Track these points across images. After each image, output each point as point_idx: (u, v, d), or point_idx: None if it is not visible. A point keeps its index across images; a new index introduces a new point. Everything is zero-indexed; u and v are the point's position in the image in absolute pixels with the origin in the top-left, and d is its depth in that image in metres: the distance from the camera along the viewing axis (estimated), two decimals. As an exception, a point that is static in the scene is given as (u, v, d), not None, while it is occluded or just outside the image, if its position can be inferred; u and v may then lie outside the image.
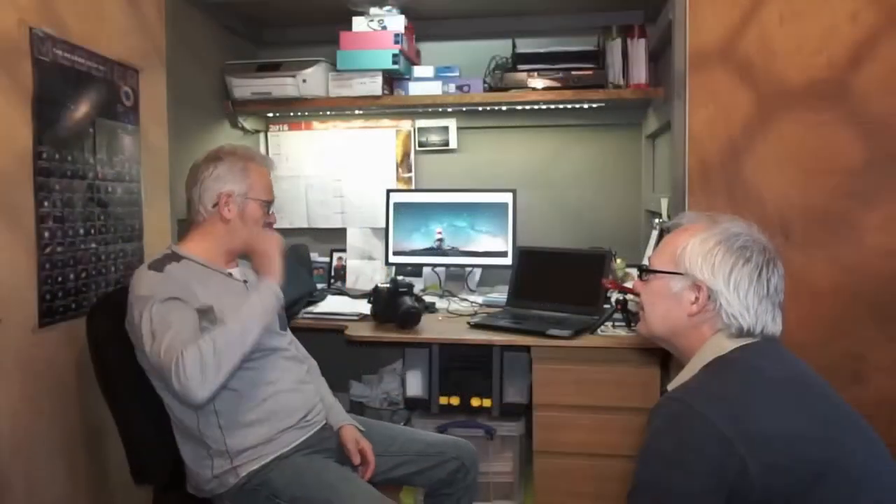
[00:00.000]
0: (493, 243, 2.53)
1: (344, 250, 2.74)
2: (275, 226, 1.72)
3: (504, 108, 2.57)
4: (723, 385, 1.04)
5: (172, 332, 1.39)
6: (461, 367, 2.14)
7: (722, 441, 0.94)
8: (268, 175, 1.72)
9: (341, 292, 2.60)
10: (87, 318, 1.62)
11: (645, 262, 2.19)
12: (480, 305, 2.35)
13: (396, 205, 2.63)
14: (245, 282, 1.68)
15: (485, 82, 2.42)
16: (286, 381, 1.62)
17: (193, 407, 1.47)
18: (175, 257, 1.57)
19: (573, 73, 2.31)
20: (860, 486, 0.97)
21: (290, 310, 2.14)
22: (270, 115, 2.79)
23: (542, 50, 2.38)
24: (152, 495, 1.64)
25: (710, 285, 1.11)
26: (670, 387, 1.15)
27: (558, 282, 2.23)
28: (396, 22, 2.37)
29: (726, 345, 1.10)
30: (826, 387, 1.08)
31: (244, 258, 1.75)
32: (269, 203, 1.70)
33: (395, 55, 2.33)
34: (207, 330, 1.44)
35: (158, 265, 1.53)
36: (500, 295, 2.42)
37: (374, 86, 2.36)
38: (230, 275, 1.66)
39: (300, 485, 1.50)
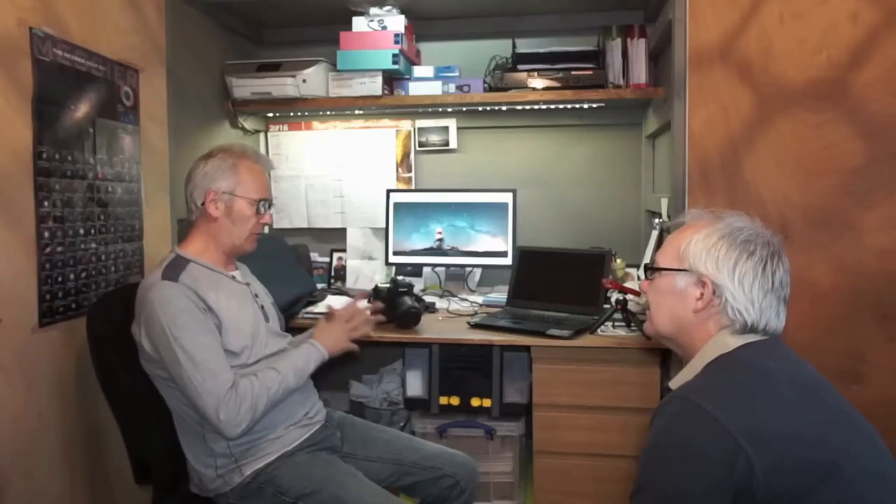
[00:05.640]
0: (493, 243, 2.53)
1: (344, 250, 2.74)
2: (274, 226, 1.72)
3: (504, 108, 2.57)
4: (727, 384, 1.03)
5: (208, 366, 1.44)
6: (461, 367, 2.14)
7: (728, 440, 0.94)
8: (262, 173, 1.67)
9: (341, 292, 2.60)
10: (88, 317, 1.63)
11: (646, 262, 2.20)
12: (480, 305, 2.35)
13: (396, 205, 2.63)
14: (248, 284, 1.68)
15: (485, 82, 2.42)
16: None
17: (225, 438, 1.50)
18: (182, 263, 1.56)
19: (573, 73, 2.31)
20: (862, 486, 0.96)
21: (290, 310, 2.14)
22: (270, 115, 2.79)
23: (542, 50, 2.38)
24: (152, 495, 1.64)
25: (715, 280, 1.11)
26: (672, 385, 1.15)
27: (558, 282, 2.22)
28: (396, 22, 2.37)
29: (730, 342, 1.10)
30: (829, 387, 1.08)
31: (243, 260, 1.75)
32: (260, 202, 1.64)
33: (395, 55, 2.33)
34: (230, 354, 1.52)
35: (172, 274, 1.51)
36: (500, 295, 2.42)
37: (374, 86, 2.36)
38: (233, 278, 1.66)
39: (307, 481, 1.50)
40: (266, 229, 1.71)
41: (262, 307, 1.68)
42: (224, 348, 1.51)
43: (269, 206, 1.68)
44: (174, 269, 1.53)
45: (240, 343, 1.54)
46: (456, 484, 1.69)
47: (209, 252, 1.62)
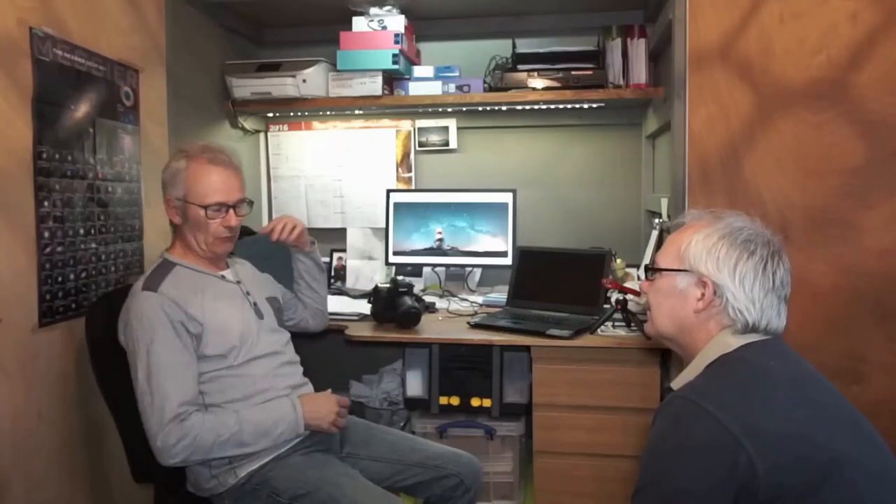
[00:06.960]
0: (493, 243, 2.53)
1: (344, 250, 2.74)
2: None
3: (504, 108, 2.57)
4: (729, 384, 1.03)
5: (160, 390, 1.43)
6: (461, 367, 2.14)
7: (730, 440, 0.94)
8: (219, 173, 1.56)
9: (341, 292, 2.60)
10: (86, 317, 1.64)
11: (646, 262, 2.20)
12: (480, 305, 2.35)
13: (396, 205, 2.63)
14: (238, 282, 1.68)
15: (485, 82, 2.42)
16: (279, 386, 1.61)
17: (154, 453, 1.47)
18: (167, 267, 1.57)
19: (573, 73, 2.31)
20: (863, 485, 0.96)
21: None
22: (270, 115, 2.79)
23: (542, 50, 2.38)
24: (153, 494, 1.64)
25: (716, 280, 1.10)
26: (674, 385, 1.14)
27: (558, 282, 2.23)
28: (396, 22, 2.37)
29: (731, 342, 1.10)
30: (830, 387, 1.08)
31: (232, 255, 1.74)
32: (211, 207, 1.54)
33: (395, 55, 2.33)
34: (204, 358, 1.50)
35: (153, 283, 1.52)
36: (500, 295, 2.42)
37: (374, 86, 2.36)
38: (223, 277, 1.65)
39: (302, 482, 1.50)
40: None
41: (255, 304, 1.67)
42: (205, 353, 1.51)
43: (229, 210, 1.57)
44: (158, 275, 1.54)
45: (227, 344, 1.54)
46: (460, 483, 1.68)
47: (190, 255, 1.62)
